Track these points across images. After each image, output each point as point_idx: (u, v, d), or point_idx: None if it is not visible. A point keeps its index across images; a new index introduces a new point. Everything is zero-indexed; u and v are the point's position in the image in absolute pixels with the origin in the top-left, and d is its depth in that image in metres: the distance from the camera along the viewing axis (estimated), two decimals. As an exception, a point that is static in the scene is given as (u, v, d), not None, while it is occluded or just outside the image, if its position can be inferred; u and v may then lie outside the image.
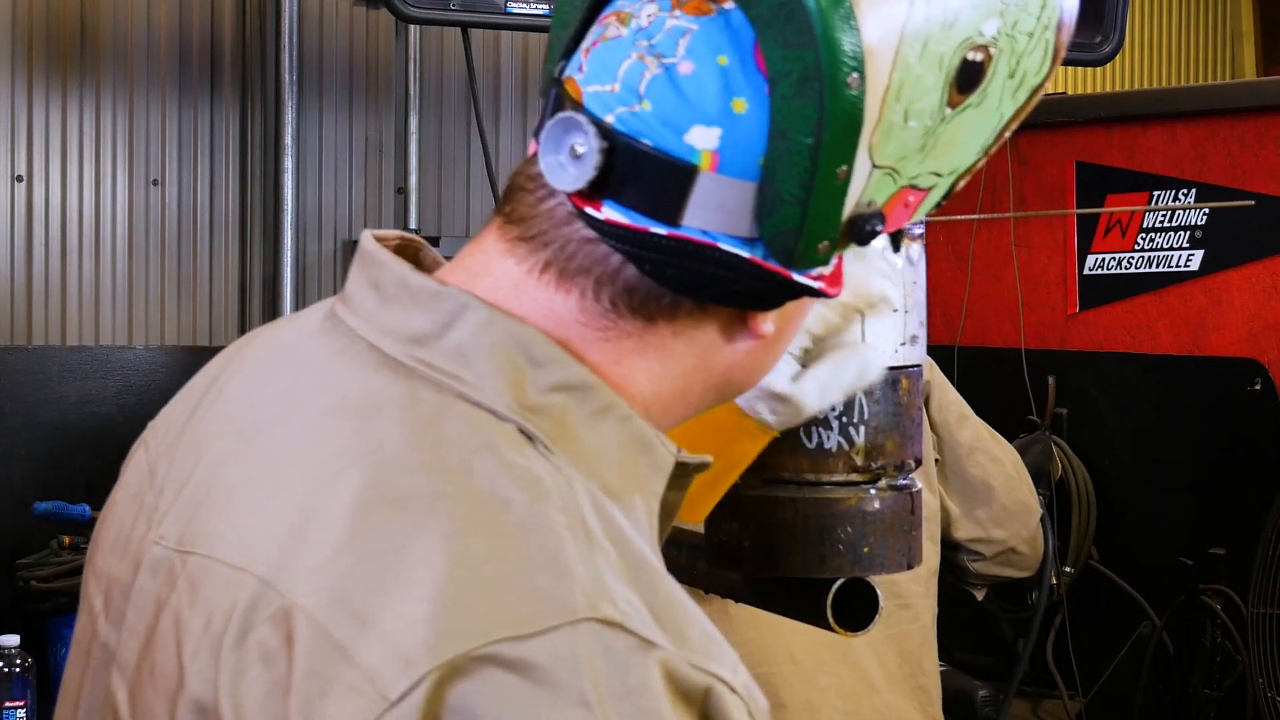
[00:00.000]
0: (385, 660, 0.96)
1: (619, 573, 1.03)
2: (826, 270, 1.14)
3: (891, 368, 1.58)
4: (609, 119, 1.08)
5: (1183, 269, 4.75)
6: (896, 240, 1.37)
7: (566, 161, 1.08)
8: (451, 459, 1.04)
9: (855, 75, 1.05)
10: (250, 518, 1.07)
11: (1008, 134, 1.19)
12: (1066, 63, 5.64)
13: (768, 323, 1.15)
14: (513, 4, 5.05)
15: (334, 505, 1.03)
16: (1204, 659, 4.17)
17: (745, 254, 1.09)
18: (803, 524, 1.58)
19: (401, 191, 6.14)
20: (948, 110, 1.13)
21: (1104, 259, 4.89)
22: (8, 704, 3.38)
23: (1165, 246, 4.78)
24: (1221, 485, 4.42)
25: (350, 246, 6.16)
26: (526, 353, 1.09)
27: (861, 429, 1.57)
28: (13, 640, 3.38)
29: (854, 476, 1.58)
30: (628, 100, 1.07)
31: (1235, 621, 4.09)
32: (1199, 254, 4.76)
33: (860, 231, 1.12)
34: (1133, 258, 4.84)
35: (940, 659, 4.54)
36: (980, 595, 3.28)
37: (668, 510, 1.18)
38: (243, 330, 5.94)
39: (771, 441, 1.57)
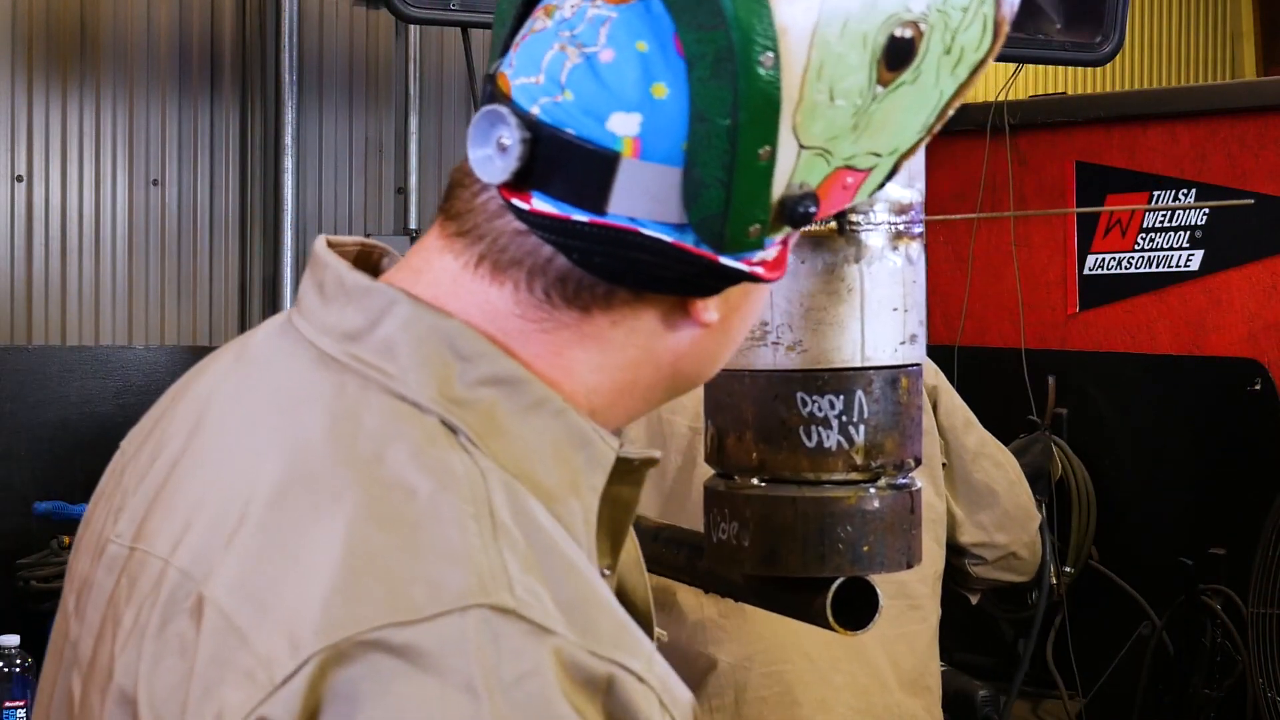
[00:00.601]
0: (276, 645, 0.97)
1: (525, 562, 1.02)
2: (766, 255, 1.13)
3: (891, 366, 1.58)
4: (534, 110, 1.09)
5: (1183, 269, 4.75)
6: (841, 221, 1.35)
7: (493, 154, 1.09)
8: (365, 449, 1.05)
9: (769, 55, 1.05)
10: (183, 511, 1.09)
11: (951, 111, 1.17)
12: (1067, 63, 5.65)
13: (710, 310, 1.14)
14: (513, 4, 5.06)
15: (253, 495, 1.05)
16: (1204, 659, 4.17)
17: (669, 238, 1.08)
18: (802, 523, 1.58)
19: (401, 191, 6.15)
20: (878, 89, 1.12)
21: (1104, 259, 4.89)
22: (8, 704, 3.38)
23: (1165, 246, 4.78)
24: (1221, 485, 4.42)
25: (350, 246, 6.18)
26: (453, 347, 1.10)
27: (861, 428, 1.57)
28: (13, 640, 3.39)
29: (854, 475, 1.58)
30: (551, 90, 1.08)
31: (1235, 621, 4.09)
32: (1199, 254, 4.76)
33: (793, 214, 1.10)
34: (1133, 258, 4.84)
35: (940, 659, 4.55)
36: (975, 600, 3.29)
37: (621, 506, 1.18)
38: (243, 330, 5.94)
39: (771, 441, 1.57)
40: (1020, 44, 5.41)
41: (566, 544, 1.07)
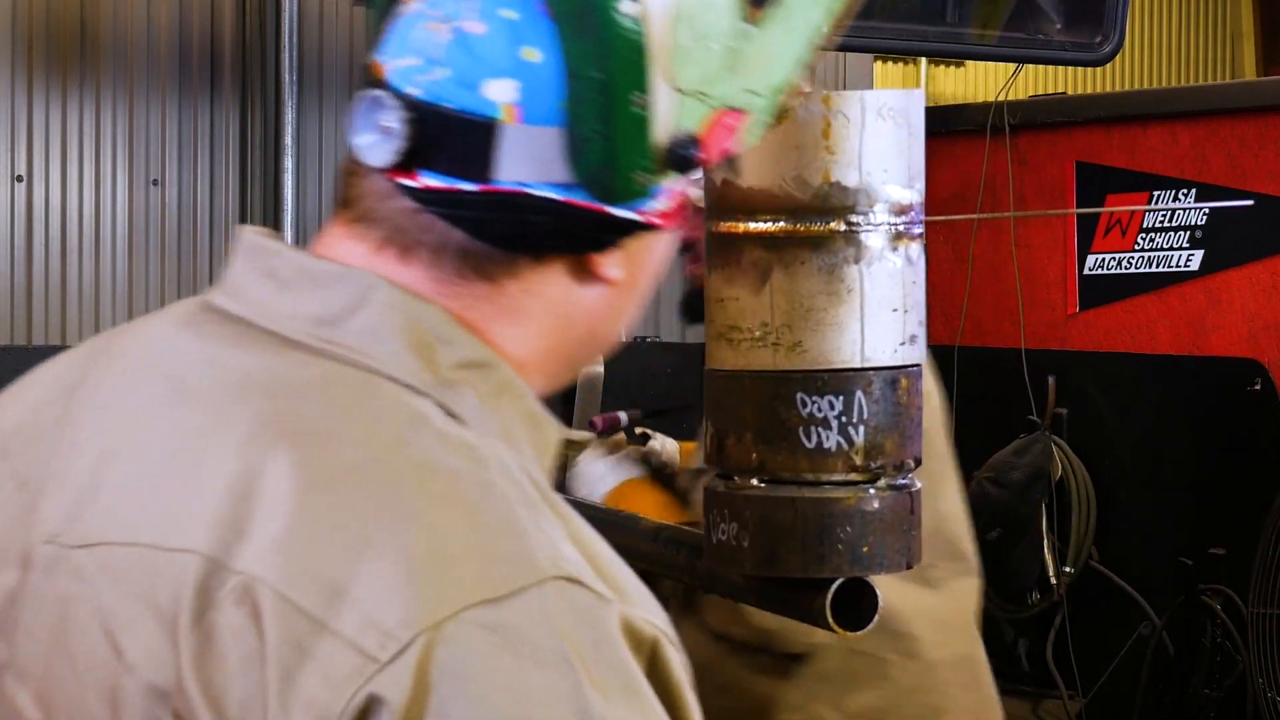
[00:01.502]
0: (364, 628, 0.98)
1: (567, 535, 1.06)
2: (659, 204, 1.14)
3: (891, 367, 1.58)
4: (412, 91, 1.10)
5: (1183, 269, 4.76)
6: (734, 164, 1.33)
7: (378, 139, 1.10)
8: (385, 432, 1.06)
9: (629, 3, 1.07)
10: (170, 501, 1.07)
11: (824, 43, 1.19)
12: (1067, 63, 5.64)
13: (612, 267, 1.15)
14: (513, 4, 5.06)
15: (273, 483, 1.04)
16: (1204, 659, 4.17)
17: (557, 196, 1.09)
18: (802, 524, 1.58)
19: (401, 191, 6.16)
20: (747, 27, 1.14)
21: (1104, 259, 4.89)
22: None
23: (1165, 246, 4.78)
24: (1221, 485, 4.42)
25: (350, 246, 6.19)
26: (434, 330, 1.10)
27: (861, 429, 1.57)
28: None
29: (853, 476, 1.58)
30: (426, 69, 1.10)
31: (1235, 621, 4.10)
32: (1199, 254, 4.76)
33: (676, 158, 1.11)
34: (1133, 258, 4.84)
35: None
36: None
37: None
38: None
39: (770, 441, 1.57)
40: (1020, 44, 5.41)
41: (576, 517, 1.10)
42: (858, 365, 1.57)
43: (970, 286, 4.99)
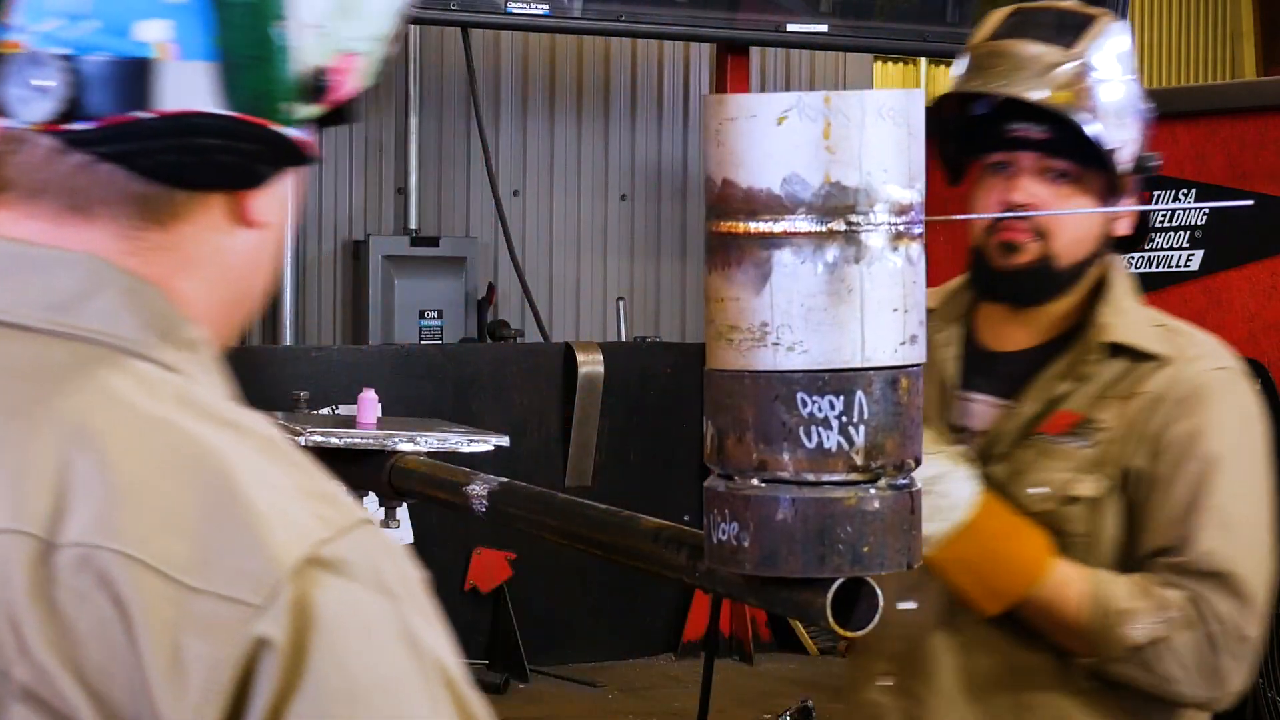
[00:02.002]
0: (233, 580, 1.03)
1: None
2: (304, 136, 1.20)
3: (891, 367, 1.58)
4: (59, 51, 1.11)
5: (1183, 269, 4.75)
6: (350, 112, 1.34)
7: (33, 95, 1.11)
8: (165, 404, 1.10)
9: None
10: None
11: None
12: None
13: (262, 209, 1.19)
14: (513, 4, 5.05)
15: (80, 463, 1.06)
16: (1204, 659, 4.16)
17: (226, 112, 1.14)
18: (802, 524, 1.58)
19: (401, 191, 6.14)
20: None
21: (1104, 259, 4.89)
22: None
23: (1165, 246, 4.78)
24: (1221, 485, 4.40)
25: (350, 246, 6.16)
26: (157, 309, 1.14)
27: (861, 428, 1.57)
28: (12, 640, 3.38)
29: (854, 476, 1.58)
30: (72, 25, 1.11)
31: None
32: (1199, 254, 4.76)
33: (313, 88, 1.18)
34: (1133, 257, 4.85)
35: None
36: None
37: None
38: (243, 330, 5.94)
39: (771, 441, 1.57)
40: (1020, 44, 5.41)
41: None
42: (858, 365, 1.57)
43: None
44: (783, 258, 1.56)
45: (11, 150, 1.13)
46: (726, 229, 1.58)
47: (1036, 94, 2.31)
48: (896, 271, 1.58)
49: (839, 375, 1.56)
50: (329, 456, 2.58)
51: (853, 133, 1.55)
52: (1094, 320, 2.36)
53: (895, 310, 1.58)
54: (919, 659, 2.36)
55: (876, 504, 1.58)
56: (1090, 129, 2.29)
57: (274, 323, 5.84)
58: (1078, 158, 2.33)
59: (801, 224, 1.55)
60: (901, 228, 1.58)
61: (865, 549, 1.58)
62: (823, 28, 5.16)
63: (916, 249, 1.60)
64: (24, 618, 1.03)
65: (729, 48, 5.30)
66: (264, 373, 4.91)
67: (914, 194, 1.59)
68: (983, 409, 2.43)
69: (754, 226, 1.57)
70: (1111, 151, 2.30)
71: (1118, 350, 2.33)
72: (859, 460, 1.58)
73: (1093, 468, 2.28)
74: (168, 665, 1.02)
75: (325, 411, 4.55)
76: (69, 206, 1.13)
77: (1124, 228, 2.43)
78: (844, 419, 1.57)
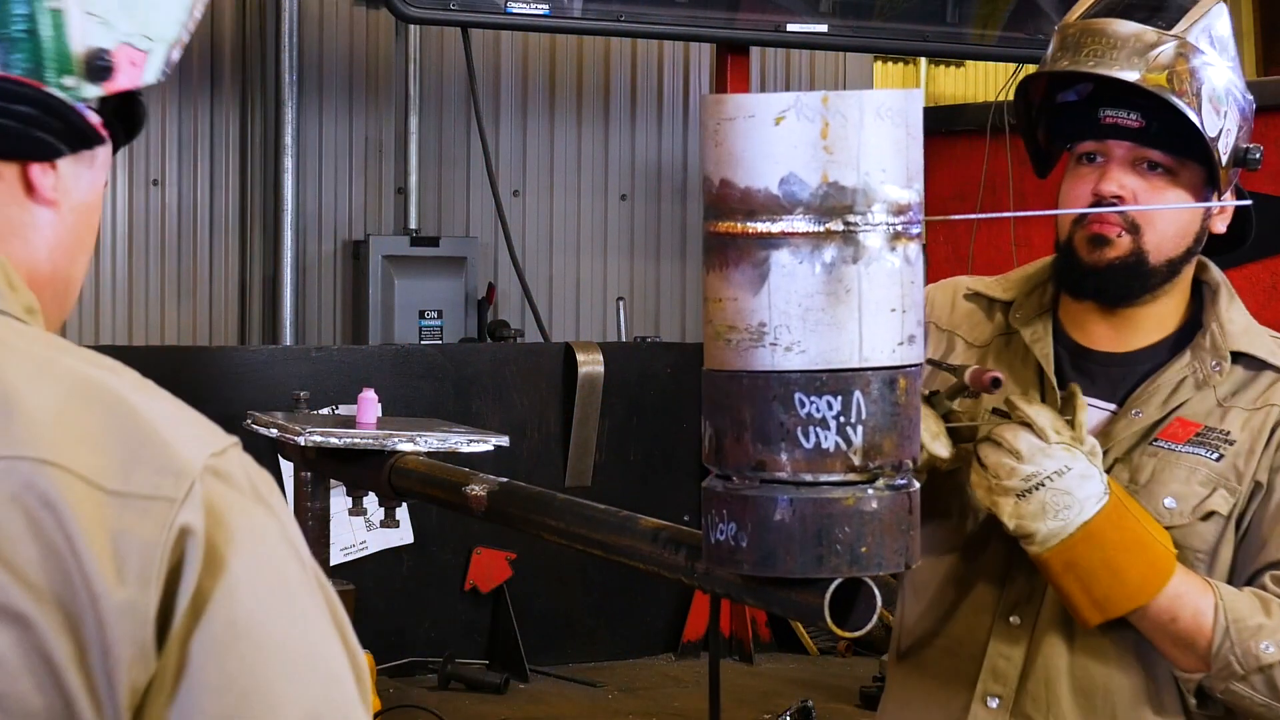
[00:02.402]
0: (158, 480, 1.15)
1: None
2: (92, 119, 1.30)
3: (889, 367, 1.58)
4: None
5: (1183, 269, 4.75)
6: (139, 113, 1.42)
7: None
8: (39, 345, 1.20)
9: None
10: None
11: (199, 12, 1.37)
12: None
13: (50, 187, 1.27)
14: (513, 4, 5.05)
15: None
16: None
17: (9, 74, 1.23)
18: (800, 524, 1.58)
19: (401, 191, 6.14)
20: None
21: (1104, 259, 4.89)
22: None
23: (1165, 246, 4.78)
24: (1221, 485, 4.40)
25: (350, 246, 6.17)
26: (7, 273, 1.25)
27: (859, 429, 1.57)
28: (12, 640, 3.38)
29: (851, 476, 1.58)
30: None
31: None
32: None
33: (95, 68, 1.28)
34: (1133, 258, 4.85)
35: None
36: None
37: None
38: (242, 330, 5.95)
39: (769, 442, 1.57)
40: (1020, 44, 5.42)
41: None
42: (856, 365, 1.57)
43: (970, 286, 4.99)
44: (780, 258, 1.56)
45: None
46: (724, 229, 1.58)
47: (1130, 75, 2.14)
48: (895, 272, 1.58)
49: (837, 375, 1.56)
50: (329, 456, 2.58)
51: (851, 133, 1.54)
52: (1208, 325, 2.24)
53: (893, 310, 1.58)
54: (1029, 674, 2.20)
55: (874, 504, 1.58)
56: (1189, 115, 2.13)
57: (274, 323, 5.84)
58: (1174, 148, 2.18)
59: (799, 224, 1.55)
60: (900, 228, 1.58)
61: (863, 549, 1.58)
62: (823, 28, 5.16)
63: (915, 249, 1.60)
64: None
65: (729, 48, 5.30)
66: (264, 373, 4.91)
67: (912, 194, 1.59)
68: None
69: (752, 227, 1.56)
70: (1212, 141, 2.15)
71: (1237, 358, 2.21)
72: (857, 460, 1.57)
73: (1221, 481, 2.16)
74: (105, 556, 1.12)
75: (325, 411, 4.55)
76: None
77: (1220, 225, 2.27)
78: (842, 419, 1.57)
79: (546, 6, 4.81)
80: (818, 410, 1.56)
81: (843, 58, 6.16)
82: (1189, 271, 2.26)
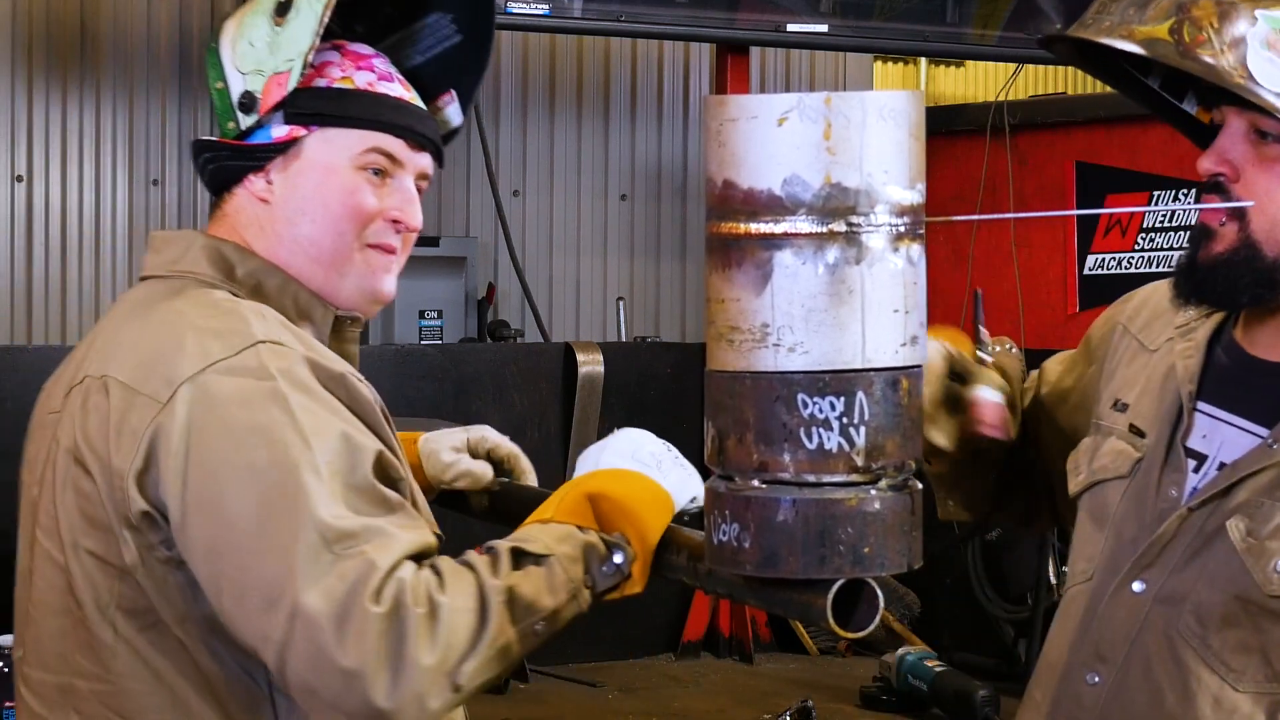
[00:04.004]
0: (158, 387, 1.85)
1: (289, 335, 1.90)
2: (262, 138, 2.00)
3: (892, 368, 1.58)
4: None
5: (1183, 269, 4.75)
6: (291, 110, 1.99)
7: None
8: (187, 299, 1.94)
9: (221, 46, 2.04)
10: (80, 356, 2.03)
11: (328, 14, 1.94)
12: (1067, 63, 5.62)
13: (259, 184, 2.00)
14: (513, 4, 5.05)
15: (120, 329, 1.98)
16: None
17: (213, 138, 2.03)
18: (803, 525, 1.58)
19: (401, 191, 6.15)
20: (277, 28, 1.98)
21: (1104, 259, 4.89)
22: (8, 704, 3.38)
23: (1165, 246, 4.78)
24: (1221, 485, 4.39)
25: (350, 246, 6.19)
26: (230, 255, 1.98)
27: (862, 429, 1.57)
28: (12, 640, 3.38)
29: (854, 477, 1.58)
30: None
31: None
32: (1199, 254, 4.76)
33: (243, 105, 1.99)
34: (1133, 257, 4.84)
35: (940, 659, 4.55)
36: None
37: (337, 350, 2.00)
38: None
39: (771, 442, 1.57)
40: (1020, 44, 5.42)
41: (313, 340, 1.97)
42: (859, 366, 1.57)
43: (970, 286, 4.99)
44: (783, 259, 1.56)
45: None
46: (727, 230, 1.58)
47: (1119, 42, 1.86)
48: (897, 272, 1.58)
49: (840, 376, 1.56)
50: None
51: (854, 134, 1.54)
52: None
53: (896, 311, 1.58)
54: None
55: (877, 505, 1.58)
56: (1205, 77, 1.83)
57: (274, 323, 5.84)
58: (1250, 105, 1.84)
59: (802, 225, 1.55)
60: (902, 229, 1.58)
61: (866, 550, 1.58)
62: (823, 28, 5.16)
63: (917, 250, 1.60)
64: (68, 411, 1.92)
65: (729, 48, 5.29)
66: (264, 373, 4.91)
67: (915, 195, 1.59)
68: (1233, 433, 1.93)
69: (755, 228, 1.57)
70: (1254, 91, 1.81)
71: None
72: (860, 461, 1.57)
73: None
74: (118, 433, 1.85)
75: (325, 411, 4.55)
76: (211, 210, 2.08)
77: None
78: (845, 420, 1.57)
79: (546, 6, 4.80)
80: (820, 411, 1.57)
81: (843, 58, 6.16)
82: None
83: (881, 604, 1.65)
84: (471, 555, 1.78)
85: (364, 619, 1.68)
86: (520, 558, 1.77)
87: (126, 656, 1.85)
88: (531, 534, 1.81)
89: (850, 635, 1.64)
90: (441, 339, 5.55)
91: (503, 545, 1.79)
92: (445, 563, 1.76)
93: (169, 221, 5.22)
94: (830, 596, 1.61)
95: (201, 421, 1.80)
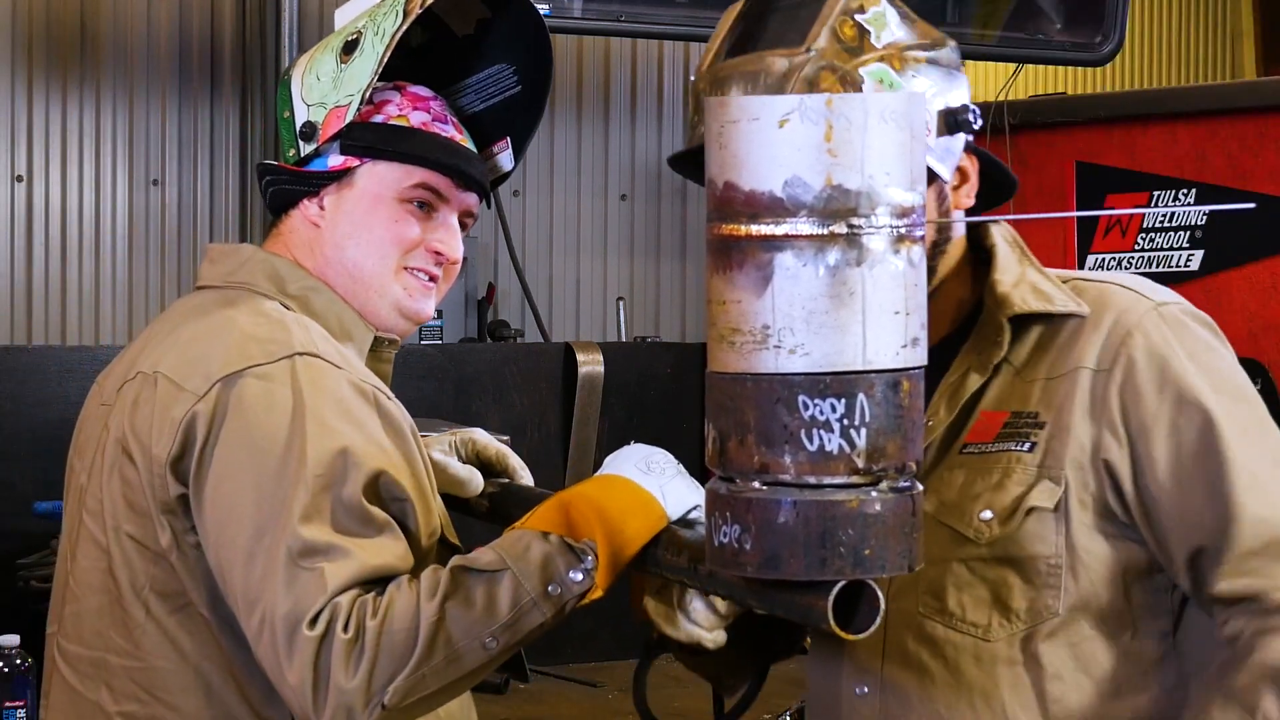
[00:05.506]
0: (198, 383, 1.98)
1: (331, 347, 2.04)
2: (318, 167, 2.15)
3: (893, 370, 1.58)
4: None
5: (1183, 269, 4.76)
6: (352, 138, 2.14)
7: None
8: (240, 310, 2.07)
9: (291, 78, 2.20)
10: (133, 353, 2.17)
11: (388, 55, 2.08)
12: (1067, 63, 5.63)
13: (314, 214, 2.15)
14: (513, 4, 5.06)
15: (176, 334, 2.10)
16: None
17: (274, 162, 2.18)
18: (804, 526, 1.58)
19: (401, 191, 6.15)
20: (342, 66, 2.12)
21: (1104, 259, 4.89)
22: (8, 704, 3.38)
23: (1165, 246, 4.78)
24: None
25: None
26: (282, 270, 2.13)
27: (863, 431, 1.57)
28: (13, 640, 3.38)
29: (855, 479, 1.58)
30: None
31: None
32: (1199, 254, 4.76)
33: (305, 135, 2.14)
34: (1133, 258, 4.84)
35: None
36: None
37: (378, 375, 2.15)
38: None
39: (772, 444, 1.57)
40: (1020, 44, 5.42)
41: (336, 343, 2.09)
42: (860, 368, 1.56)
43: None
44: (784, 260, 1.56)
45: None
46: (728, 231, 1.58)
47: None
48: (898, 274, 1.58)
49: (840, 378, 1.56)
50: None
51: (855, 135, 1.54)
52: (985, 294, 2.04)
53: (897, 313, 1.58)
54: None
55: (878, 507, 1.58)
56: None
57: (274, 322, 5.84)
58: None
59: (803, 226, 1.55)
60: (903, 230, 1.58)
61: (867, 552, 1.58)
62: (823, 28, 5.16)
63: (918, 252, 1.60)
64: (120, 404, 2.05)
65: (729, 48, 5.29)
66: (264, 373, 4.91)
67: (916, 196, 1.59)
68: None
69: (755, 229, 1.56)
70: None
71: (1024, 321, 1.99)
72: (860, 463, 1.57)
73: (1043, 473, 1.93)
74: (160, 423, 1.98)
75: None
76: (269, 228, 2.23)
77: (967, 199, 2.12)
78: (845, 422, 1.57)
79: (546, 6, 4.80)
80: (821, 413, 1.56)
81: (843, 58, 6.15)
82: (955, 252, 2.07)
83: (883, 605, 1.65)
84: (425, 574, 1.89)
85: (302, 641, 1.86)
86: (464, 574, 1.87)
87: (156, 636, 2.02)
88: (490, 549, 1.91)
89: (851, 637, 1.64)
90: (442, 339, 5.54)
91: (453, 563, 1.89)
92: (394, 587, 1.88)
93: (168, 221, 5.23)
94: (831, 598, 1.61)
95: (227, 419, 1.96)
